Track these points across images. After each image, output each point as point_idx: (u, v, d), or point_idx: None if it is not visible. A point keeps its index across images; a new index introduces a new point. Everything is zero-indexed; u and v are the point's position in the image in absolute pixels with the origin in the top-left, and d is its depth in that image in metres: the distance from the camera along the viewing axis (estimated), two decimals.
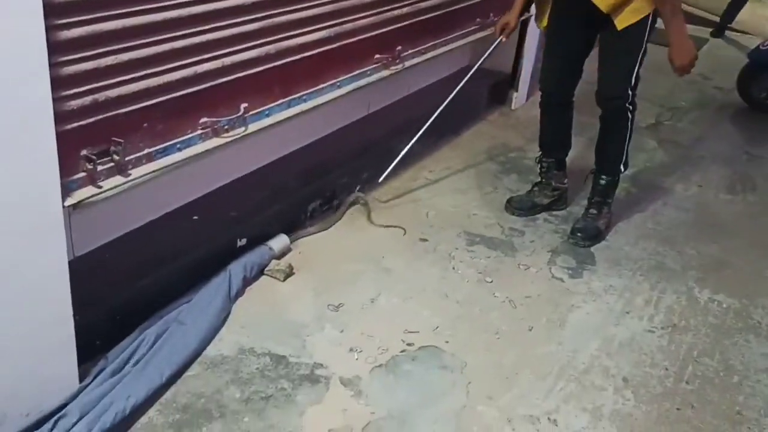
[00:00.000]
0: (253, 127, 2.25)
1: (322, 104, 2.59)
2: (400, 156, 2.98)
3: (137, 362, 1.92)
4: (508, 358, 2.23)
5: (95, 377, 1.85)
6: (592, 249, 2.84)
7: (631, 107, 2.73)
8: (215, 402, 1.94)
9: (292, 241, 2.61)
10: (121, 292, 2.05)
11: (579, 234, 2.87)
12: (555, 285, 2.62)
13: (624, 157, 2.84)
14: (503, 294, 2.54)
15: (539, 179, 3.08)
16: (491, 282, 2.59)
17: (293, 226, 2.66)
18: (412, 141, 2.98)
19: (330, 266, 2.58)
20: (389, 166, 2.96)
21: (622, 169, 2.87)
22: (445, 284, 2.56)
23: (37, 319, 1.64)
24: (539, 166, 3.07)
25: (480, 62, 3.06)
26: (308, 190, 2.74)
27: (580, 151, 3.37)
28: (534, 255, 2.77)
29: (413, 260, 2.68)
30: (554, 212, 3.06)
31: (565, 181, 3.08)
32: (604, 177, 2.89)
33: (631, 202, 3.24)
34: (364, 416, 1.96)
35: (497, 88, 4.02)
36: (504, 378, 2.15)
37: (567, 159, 3.08)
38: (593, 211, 2.93)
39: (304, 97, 2.50)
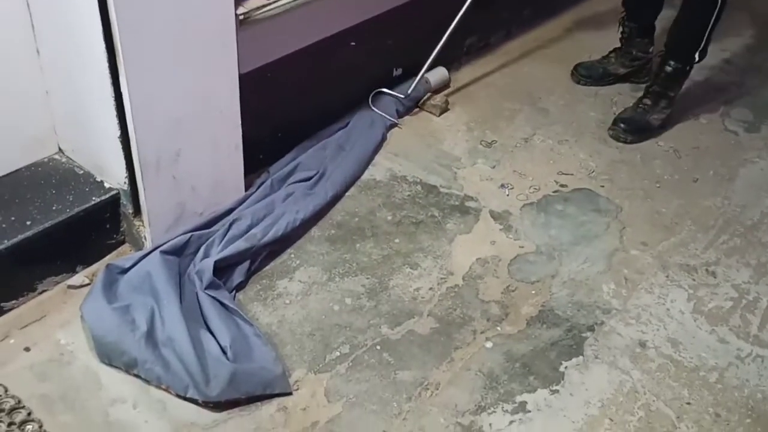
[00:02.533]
0: None
1: None
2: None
3: (301, 180, 2.01)
4: (667, 208, 2.13)
5: (258, 188, 1.95)
6: None
7: None
8: (368, 222, 2.00)
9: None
10: (282, 111, 2.11)
11: (621, 125, 2.39)
12: (727, 138, 2.42)
13: (703, 43, 2.30)
14: (668, 143, 2.39)
15: (619, 45, 2.65)
16: None
17: (450, 61, 2.59)
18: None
19: (485, 103, 2.52)
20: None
21: (697, 58, 2.33)
22: (606, 129, 2.43)
23: (212, 126, 1.72)
24: (620, 29, 2.62)
25: None
26: (466, 24, 2.62)
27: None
28: (706, 105, 2.56)
29: (572, 103, 2.56)
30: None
31: (651, 50, 2.62)
32: (672, 63, 2.34)
33: None
34: (512, 249, 1.96)
35: None
36: (662, 226, 2.06)
37: (657, 24, 2.60)
38: (647, 101, 2.41)
39: None
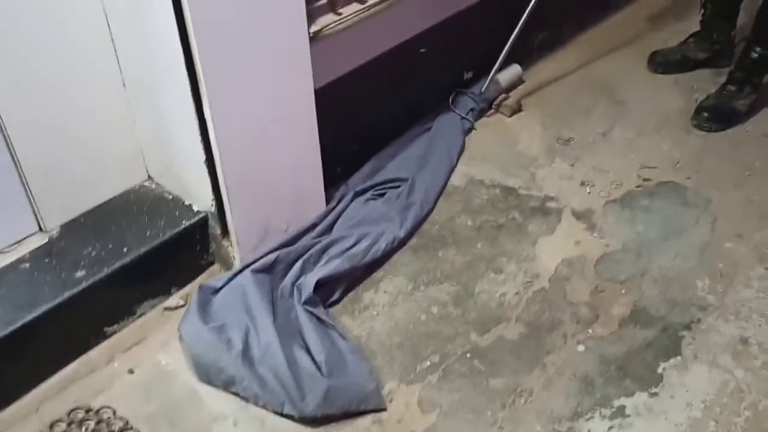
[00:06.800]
0: None
1: None
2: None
3: (391, 182, 2.05)
4: (761, 196, 2.04)
5: (339, 201, 1.98)
6: None
7: None
8: (449, 229, 1.99)
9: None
10: (357, 123, 2.12)
11: (705, 113, 2.30)
12: None
13: None
14: (758, 128, 2.29)
15: (698, 29, 2.55)
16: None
17: (522, 58, 2.55)
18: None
19: (559, 99, 2.47)
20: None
21: None
22: (688, 118, 2.35)
23: (292, 144, 1.76)
24: (701, 11, 2.50)
25: None
26: (536, 20, 2.58)
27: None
28: None
29: (650, 93, 2.48)
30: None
31: (732, 33, 2.51)
32: (758, 49, 2.23)
33: None
34: (598, 248, 1.92)
35: None
36: (756, 216, 1.98)
37: (740, 6, 2.46)
38: (731, 88, 2.31)
39: None
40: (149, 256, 1.65)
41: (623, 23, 2.84)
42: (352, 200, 1.99)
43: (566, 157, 2.23)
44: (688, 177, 2.12)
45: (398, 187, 2.05)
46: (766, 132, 2.26)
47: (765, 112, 2.35)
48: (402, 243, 1.93)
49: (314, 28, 1.75)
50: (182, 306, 1.72)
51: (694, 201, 2.04)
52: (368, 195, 2.01)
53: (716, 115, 2.30)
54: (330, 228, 1.90)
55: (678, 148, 2.24)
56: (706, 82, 2.49)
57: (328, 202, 1.97)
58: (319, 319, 1.63)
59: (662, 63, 2.57)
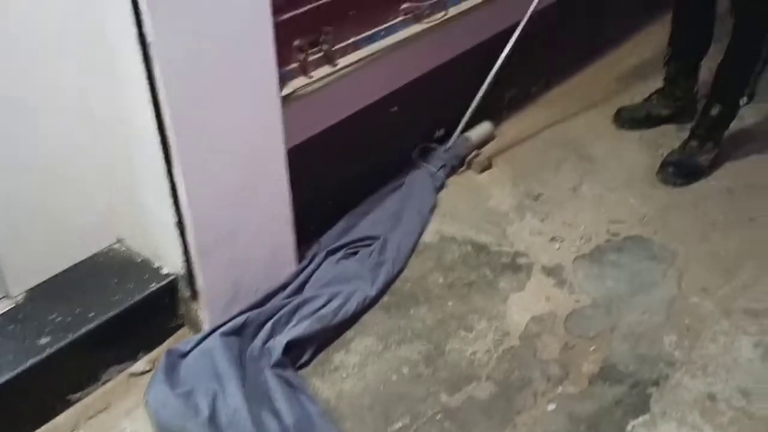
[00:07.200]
0: (452, 11, 2.21)
1: None
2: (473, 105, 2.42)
3: (363, 241, 2.06)
4: (726, 249, 2.08)
5: (311, 260, 1.98)
6: None
7: None
8: (420, 286, 2.00)
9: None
10: (329, 182, 2.15)
11: (670, 168, 2.36)
12: None
13: (749, 86, 2.24)
14: (720, 182, 2.34)
15: (662, 86, 2.62)
16: None
17: (492, 115, 2.60)
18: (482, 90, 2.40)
19: (529, 155, 2.52)
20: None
21: (745, 101, 2.27)
22: (654, 173, 2.40)
23: (263, 205, 1.77)
24: (665, 69, 2.57)
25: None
26: (506, 77, 2.65)
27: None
28: (759, 142, 2.50)
29: (618, 148, 2.54)
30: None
31: (695, 90, 2.59)
32: (717, 106, 2.30)
33: None
34: (567, 304, 1.93)
35: None
36: (722, 270, 2.01)
37: (701, 64, 2.53)
38: (694, 143, 2.37)
39: None
40: (116, 321, 1.64)
41: (591, 81, 2.91)
42: (324, 259, 1.99)
43: (536, 213, 2.26)
44: (655, 231, 2.16)
45: (370, 245, 2.06)
46: (728, 186, 2.32)
47: (727, 166, 2.41)
48: (373, 302, 1.93)
49: (286, 91, 1.78)
50: (149, 371, 1.70)
51: (661, 255, 2.07)
52: (340, 254, 2.02)
53: (680, 170, 2.36)
54: (301, 288, 1.90)
55: (645, 202, 2.28)
56: (670, 138, 2.55)
57: (300, 260, 1.98)
58: (288, 382, 1.62)
59: (628, 120, 2.63)
